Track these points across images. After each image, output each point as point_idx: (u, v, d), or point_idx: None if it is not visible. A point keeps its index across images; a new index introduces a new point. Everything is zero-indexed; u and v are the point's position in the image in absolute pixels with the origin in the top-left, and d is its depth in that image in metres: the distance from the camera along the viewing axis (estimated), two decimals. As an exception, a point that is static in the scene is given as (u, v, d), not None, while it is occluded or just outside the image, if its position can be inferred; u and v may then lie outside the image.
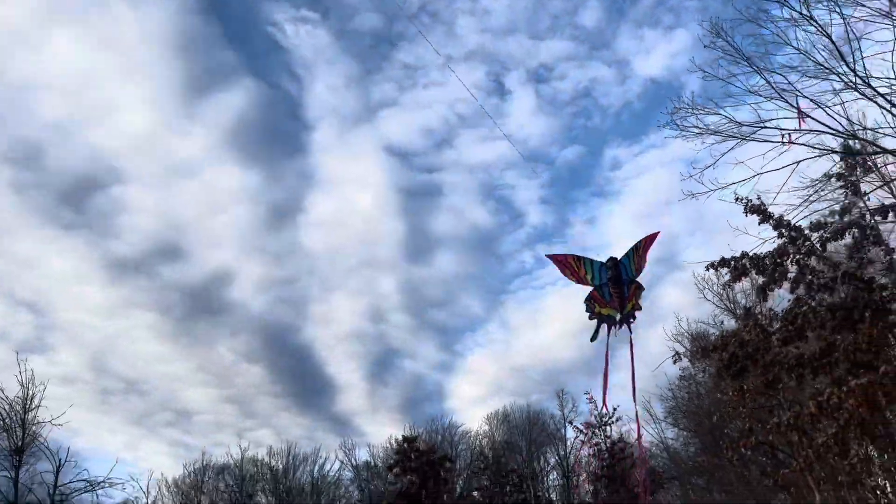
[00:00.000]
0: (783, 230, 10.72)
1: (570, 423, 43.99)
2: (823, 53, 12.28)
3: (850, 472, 13.49)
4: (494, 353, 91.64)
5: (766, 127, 12.70)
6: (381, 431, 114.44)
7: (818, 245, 10.42)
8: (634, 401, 9.96)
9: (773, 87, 12.55)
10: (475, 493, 44.06)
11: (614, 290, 9.88)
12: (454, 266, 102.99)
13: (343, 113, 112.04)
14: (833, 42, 12.21)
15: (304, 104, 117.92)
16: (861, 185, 11.81)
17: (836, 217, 10.61)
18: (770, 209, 11.29)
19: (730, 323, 29.49)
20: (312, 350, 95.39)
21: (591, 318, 10.13)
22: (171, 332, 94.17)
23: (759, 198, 11.36)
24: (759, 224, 11.18)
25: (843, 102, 12.21)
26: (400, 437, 39.33)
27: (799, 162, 12.33)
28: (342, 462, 58.74)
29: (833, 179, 12.03)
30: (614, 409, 36.97)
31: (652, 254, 9.78)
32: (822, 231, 10.53)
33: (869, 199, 11.51)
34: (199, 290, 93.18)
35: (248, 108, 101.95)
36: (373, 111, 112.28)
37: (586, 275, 10.12)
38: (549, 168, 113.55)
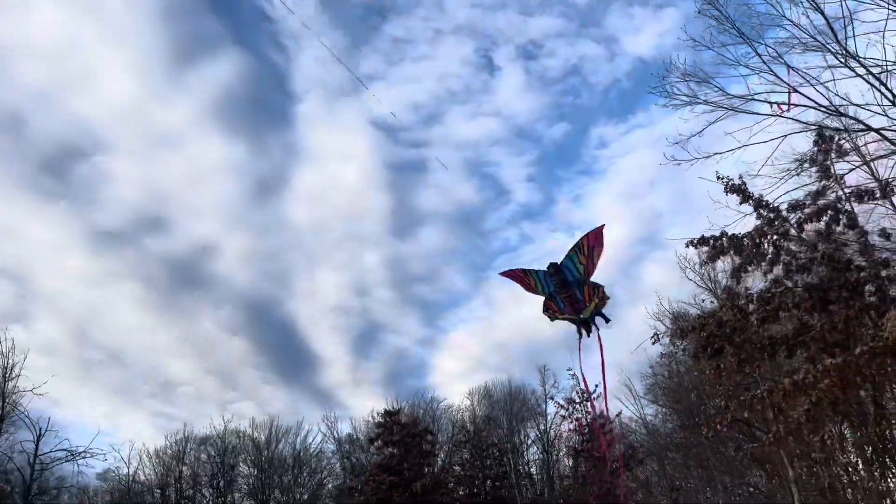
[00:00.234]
0: (762, 210, 10.76)
1: (552, 398, 44.43)
2: (816, 29, 12.29)
3: (823, 448, 13.84)
4: (478, 329, 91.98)
5: (754, 99, 12.74)
6: (364, 405, 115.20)
7: (795, 226, 10.49)
8: (606, 408, 10.07)
9: (762, 59, 12.56)
10: (456, 467, 44.52)
11: (563, 295, 9.78)
12: (439, 242, 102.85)
13: (330, 85, 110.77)
14: (826, 18, 12.23)
15: (291, 76, 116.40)
16: (835, 167, 11.89)
17: (811, 200, 10.68)
18: (751, 189, 11.32)
19: (710, 303, 29.82)
20: (296, 324, 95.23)
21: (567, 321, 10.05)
22: (154, 303, 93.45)
23: (740, 177, 11.40)
24: (740, 204, 11.22)
25: (834, 79, 12.26)
26: (382, 411, 39.67)
27: (785, 136, 12.39)
28: (324, 435, 59.13)
29: (807, 164, 12.12)
30: (596, 387, 37.41)
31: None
32: (800, 212, 10.59)
33: (845, 182, 11.61)
34: (183, 262, 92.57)
35: (234, 79, 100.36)
36: (360, 84, 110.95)
37: (536, 285, 10.02)
38: (537, 145, 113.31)
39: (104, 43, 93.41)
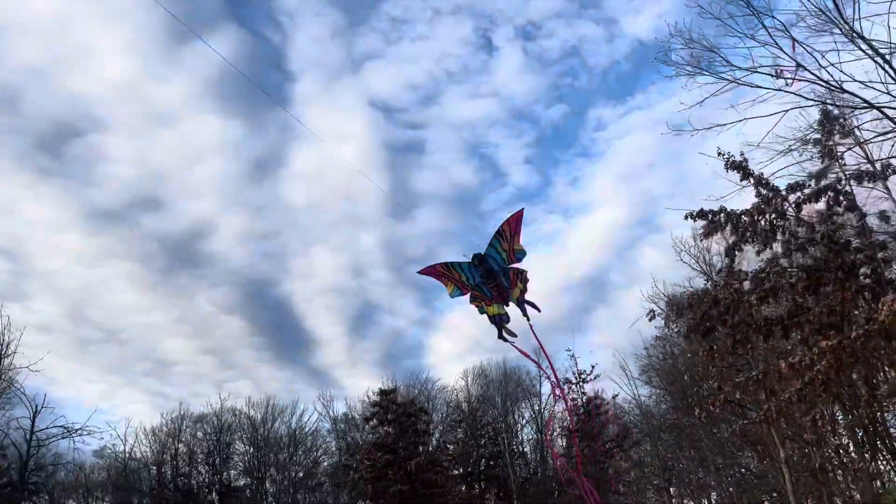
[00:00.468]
0: (762, 189, 10.66)
1: (548, 378, 44.67)
2: (823, 4, 12.15)
3: (815, 429, 13.92)
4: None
5: (757, 72, 12.61)
6: (360, 385, 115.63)
7: (794, 206, 10.42)
8: (565, 404, 10.15)
9: (768, 31, 12.41)
10: (450, 446, 44.84)
11: (490, 285, 9.69)
12: (435, 223, 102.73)
13: (327, 65, 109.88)
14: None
15: (288, 55, 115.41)
16: (838, 148, 11.82)
17: (812, 181, 10.61)
18: (750, 165, 11.18)
19: (704, 284, 29.88)
20: (292, 304, 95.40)
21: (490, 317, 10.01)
22: (150, 282, 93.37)
23: (741, 154, 11.27)
24: (740, 181, 11.09)
25: (839, 57, 12.13)
26: (378, 391, 39.85)
27: (787, 111, 12.29)
28: (320, 414, 59.50)
29: (810, 146, 12.04)
30: (592, 367, 37.68)
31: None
32: (800, 193, 10.51)
33: (845, 163, 11.54)
34: (179, 241, 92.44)
35: (230, 57, 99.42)
36: (358, 64, 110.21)
37: (461, 277, 9.94)
38: (535, 127, 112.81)
39: (100, 20, 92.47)
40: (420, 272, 10.20)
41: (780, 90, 12.53)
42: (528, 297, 9.86)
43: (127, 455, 54.61)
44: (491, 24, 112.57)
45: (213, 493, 53.11)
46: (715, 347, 11.89)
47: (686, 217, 11.15)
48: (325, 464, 58.68)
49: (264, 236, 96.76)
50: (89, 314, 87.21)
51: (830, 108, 12.15)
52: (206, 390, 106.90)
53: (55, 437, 40.25)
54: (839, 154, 11.40)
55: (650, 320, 12.98)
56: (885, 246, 10.23)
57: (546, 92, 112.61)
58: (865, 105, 12.27)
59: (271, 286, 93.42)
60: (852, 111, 11.95)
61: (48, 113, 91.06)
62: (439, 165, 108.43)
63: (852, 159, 12.74)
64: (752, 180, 10.78)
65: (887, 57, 11.39)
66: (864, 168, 11.34)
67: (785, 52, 12.48)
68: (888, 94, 11.55)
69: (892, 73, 11.33)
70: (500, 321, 9.91)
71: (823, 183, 10.45)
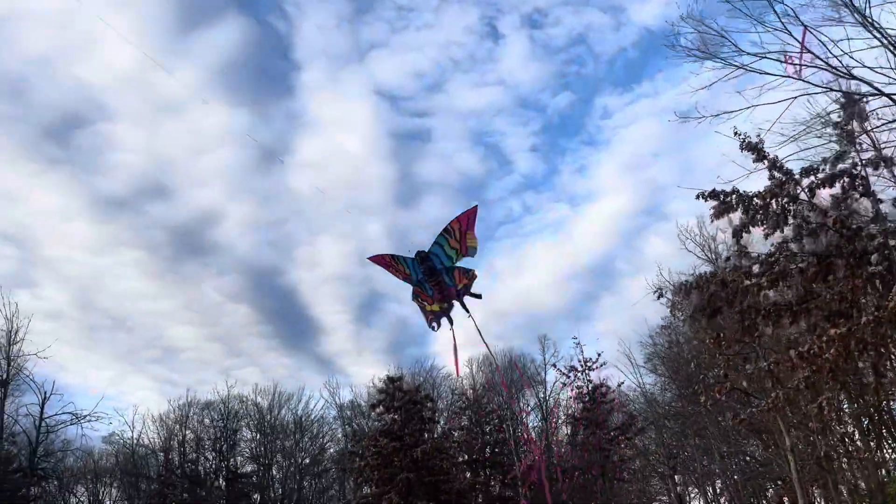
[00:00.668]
0: (775, 172, 10.52)
1: (554, 366, 44.71)
2: None
3: (821, 416, 13.92)
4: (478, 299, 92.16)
5: (766, 58, 12.52)
6: (365, 372, 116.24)
7: (807, 190, 10.31)
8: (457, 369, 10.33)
9: (778, 16, 12.31)
10: (455, 433, 44.98)
11: (431, 282, 9.66)
12: (441, 211, 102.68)
13: (333, 53, 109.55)
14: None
15: (294, 44, 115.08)
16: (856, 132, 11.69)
17: (828, 165, 10.48)
18: (765, 147, 11.03)
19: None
20: (298, 292, 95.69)
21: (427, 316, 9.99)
22: (157, 270, 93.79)
23: (758, 135, 11.12)
24: (754, 163, 10.97)
25: (849, 42, 12.03)
26: (383, 378, 39.95)
27: (796, 97, 12.21)
28: (326, 401, 59.79)
29: (830, 128, 11.92)
30: (598, 355, 37.75)
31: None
32: (813, 176, 10.40)
33: (862, 146, 11.44)
34: (186, 229, 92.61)
35: (237, 46, 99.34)
36: (363, 52, 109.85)
37: (405, 271, 9.91)
38: (540, 115, 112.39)
39: (106, 9, 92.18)
40: (370, 258, 10.16)
41: (789, 77, 12.45)
42: (477, 292, 9.85)
43: (135, 441, 55.10)
44: (497, 13, 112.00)
45: (220, 479, 53.51)
46: (722, 335, 11.87)
47: (698, 197, 11.05)
48: (331, 450, 59.08)
49: (270, 225, 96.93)
50: (97, 301, 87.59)
51: (850, 91, 12.05)
52: (213, 377, 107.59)
53: (64, 424, 40.62)
54: (858, 136, 11.28)
55: (657, 298, 12.94)
56: (897, 233, 10.17)
57: (552, 80, 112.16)
58: (875, 92, 12.19)
59: (278, 274, 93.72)
60: (861, 99, 11.86)
61: (55, 102, 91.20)
62: (445, 154, 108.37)
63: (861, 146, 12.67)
64: (766, 162, 10.65)
65: None
66: (884, 154, 11.25)
67: (795, 38, 12.40)
68: (898, 81, 11.47)
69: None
70: (441, 316, 9.89)
71: (840, 167, 10.32)
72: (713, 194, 10.84)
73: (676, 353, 35.23)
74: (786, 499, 29.42)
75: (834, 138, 12.02)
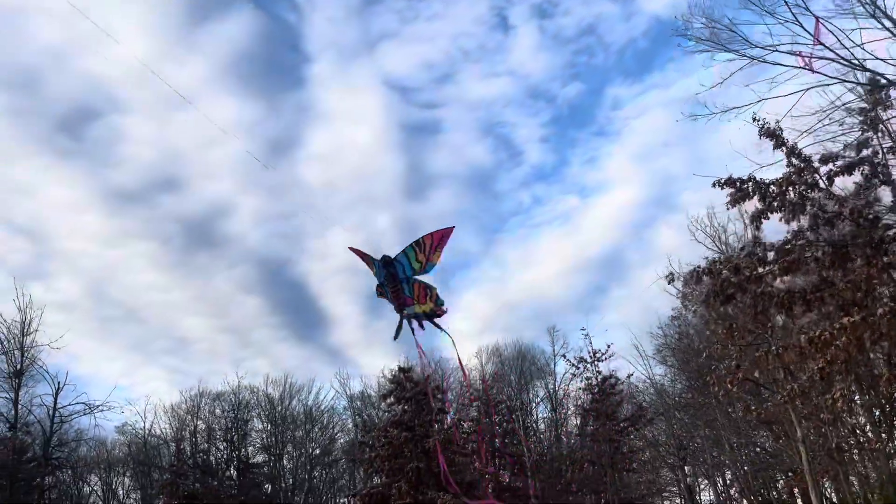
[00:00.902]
0: (793, 159, 10.40)
1: (563, 356, 44.72)
2: None
3: (833, 407, 13.86)
4: (488, 290, 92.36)
5: (777, 51, 12.44)
6: (375, 363, 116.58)
7: (825, 179, 10.18)
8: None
9: (790, 8, 12.23)
10: (464, 424, 45.12)
11: (391, 288, 9.62)
12: (451, 203, 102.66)
13: (342, 45, 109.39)
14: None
15: (304, 35, 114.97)
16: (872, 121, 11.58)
17: (850, 151, 10.33)
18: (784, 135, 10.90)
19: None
20: (309, 283, 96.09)
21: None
22: (169, 262, 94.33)
23: (777, 122, 10.99)
24: (774, 150, 10.84)
25: (860, 32, 11.93)
26: (394, 368, 40.08)
27: (807, 90, 12.12)
28: (337, 391, 60.09)
29: (852, 115, 11.81)
30: (608, 346, 37.70)
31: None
32: (832, 164, 10.28)
33: (884, 134, 11.32)
34: (198, 221, 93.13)
35: (247, 39, 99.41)
36: (373, 43, 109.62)
37: (373, 270, 9.90)
38: (550, 106, 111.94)
39: (117, 2, 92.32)
40: (351, 248, 10.19)
41: (802, 68, 12.35)
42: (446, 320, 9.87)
43: (147, 431, 55.63)
44: (506, 3, 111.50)
45: (232, 469, 53.95)
46: (734, 325, 11.85)
47: (714, 184, 10.98)
48: (342, 441, 59.43)
49: (281, 217, 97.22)
50: (109, 293, 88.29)
51: (876, 76, 11.95)
52: (225, 368, 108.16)
53: (77, 414, 41.03)
54: (882, 124, 11.16)
55: (669, 283, 12.92)
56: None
57: (562, 70, 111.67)
58: (886, 83, 12.09)
59: (288, 266, 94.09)
60: (889, 85, 11.78)
61: (67, 95, 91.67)
62: (455, 145, 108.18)
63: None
64: (784, 150, 10.54)
65: None
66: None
67: (806, 30, 12.31)
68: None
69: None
70: (421, 319, 9.88)
71: (863, 153, 10.20)
72: (729, 182, 10.74)
73: (687, 344, 35.16)
74: (796, 490, 29.38)
75: (848, 128, 11.94)
